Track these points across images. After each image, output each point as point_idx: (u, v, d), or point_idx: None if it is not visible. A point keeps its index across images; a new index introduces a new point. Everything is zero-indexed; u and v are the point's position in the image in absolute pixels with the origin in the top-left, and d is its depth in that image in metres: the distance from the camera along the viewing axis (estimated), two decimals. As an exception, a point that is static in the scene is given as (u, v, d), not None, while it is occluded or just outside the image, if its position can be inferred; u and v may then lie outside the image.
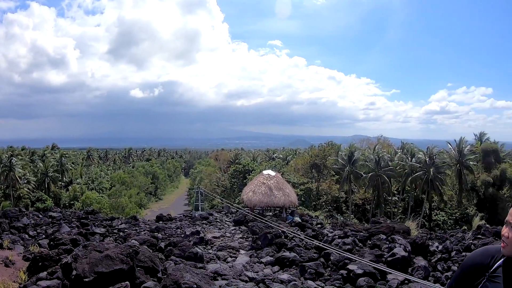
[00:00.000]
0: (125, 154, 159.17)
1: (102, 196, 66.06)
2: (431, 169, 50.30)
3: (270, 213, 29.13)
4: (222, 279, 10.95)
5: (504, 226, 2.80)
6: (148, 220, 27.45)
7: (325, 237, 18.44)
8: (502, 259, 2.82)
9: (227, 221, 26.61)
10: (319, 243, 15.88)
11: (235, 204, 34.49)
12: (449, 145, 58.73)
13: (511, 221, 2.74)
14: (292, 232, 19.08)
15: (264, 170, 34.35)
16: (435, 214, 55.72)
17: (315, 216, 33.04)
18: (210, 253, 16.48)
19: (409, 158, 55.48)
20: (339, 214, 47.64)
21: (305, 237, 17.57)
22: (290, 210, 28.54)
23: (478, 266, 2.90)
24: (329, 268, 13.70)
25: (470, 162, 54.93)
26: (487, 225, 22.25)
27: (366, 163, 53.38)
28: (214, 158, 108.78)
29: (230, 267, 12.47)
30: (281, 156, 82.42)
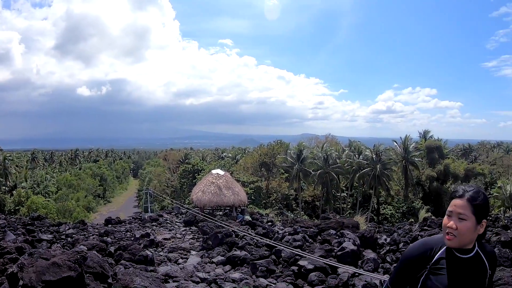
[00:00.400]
0: (72, 155, 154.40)
1: (48, 201, 63.84)
2: (378, 166, 51.77)
3: (220, 213, 29.09)
4: (173, 281, 10.79)
5: (447, 217, 2.90)
6: (97, 224, 26.72)
7: (276, 235, 18.51)
8: (443, 250, 2.91)
9: (177, 222, 26.29)
10: (269, 241, 15.92)
11: (185, 205, 34.17)
12: (394, 143, 60.96)
13: (458, 210, 2.82)
14: (242, 230, 19.06)
15: (213, 169, 34.18)
16: (383, 208, 57.46)
17: (266, 214, 33.20)
18: (161, 255, 16.24)
19: (356, 155, 56.87)
20: (289, 211, 48.11)
21: (255, 236, 17.57)
22: (240, 209, 28.59)
23: (418, 258, 2.93)
24: (281, 265, 13.76)
25: (415, 159, 57.38)
26: (433, 217, 23.06)
27: (315, 161, 54.29)
28: (163, 158, 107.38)
29: (181, 269, 12.29)
30: (230, 155, 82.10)
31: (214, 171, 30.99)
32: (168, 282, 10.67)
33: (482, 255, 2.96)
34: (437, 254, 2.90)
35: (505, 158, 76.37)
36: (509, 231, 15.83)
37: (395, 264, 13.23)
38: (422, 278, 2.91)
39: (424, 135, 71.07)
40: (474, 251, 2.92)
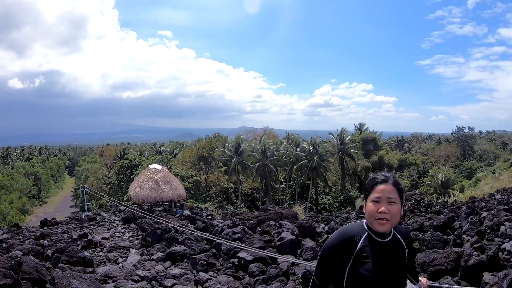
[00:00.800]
0: (3, 153, 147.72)
1: (-20, 205, 60.70)
2: (315, 157, 52.82)
3: (159, 208, 28.77)
4: (113, 281, 10.62)
5: (373, 204, 2.92)
6: (33, 227, 25.68)
7: (216, 228, 18.58)
8: (364, 238, 2.95)
9: (116, 220, 25.82)
10: (208, 236, 15.94)
11: (124, 202, 33.55)
12: (331, 135, 62.58)
13: (388, 195, 2.89)
14: (181, 225, 18.99)
15: (151, 164, 33.67)
16: (321, 198, 58.96)
17: (205, 208, 33.21)
18: (100, 255, 15.91)
19: (294, 147, 57.64)
20: (229, 205, 48.23)
21: (195, 230, 17.55)
22: (179, 204, 28.38)
23: (341, 249, 2.93)
24: (221, 258, 13.85)
25: (351, 150, 59.40)
26: (369, 205, 23.95)
27: (253, 153, 54.56)
28: (99, 154, 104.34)
29: (120, 268, 12.09)
30: (168, 149, 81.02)
31: (151, 166, 30.51)
32: (108, 283, 10.51)
33: (399, 237, 3.09)
34: (360, 243, 2.93)
35: (436, 149, 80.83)
36: (441, 216, 16.60)
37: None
38: (348, 268, 2.90)
39: (360, 127, 73.36)
40: (391, 234, 3.03)
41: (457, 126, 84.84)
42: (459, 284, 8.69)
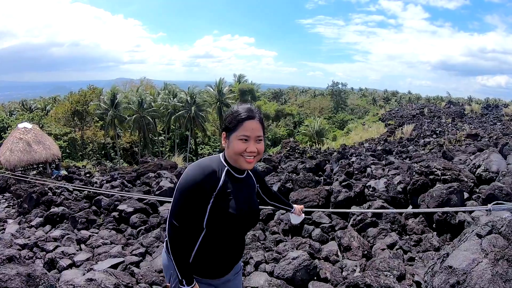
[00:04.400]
0: None
1: None
2: (193, 108, 53.14)
3: (34, 172, 27.44)
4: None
5: (241, 142, 2.72)
6: None
7: (94, 185, 18.35)
8: (225, 173, 2.79)
9: (-11, 192, 24.15)
10: (88, 188, 15.72)
11: (-3, 171, 31.36)
12: (209, 87, 62.99)
13: (256, 133, 2.74)
14: (59, 186, 18.47)
15: (20, 123, 31.54)
16: (200, 148, 59.96)
17: (83, 166, 32.22)
18: (-22, 235, 15.04)
19: (171, 98, 57.19)
20: (108, 161, 47.13)
21: (74, 186, 17.18)
22: (54, 165, 27.32)
23: (203, 184, 2.67)
24: (102, 214, 13.78)
25: (229, 100, 60.26)
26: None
27: (130, 105, 53.07)
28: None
29: (-2, 242, 11.58)
30: (40, 106, 76.15)
31: (20, 125, 28.53)
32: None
33: (250, 173, 3.15)
34: (222, 178, 2.76)
35: (312, 101, 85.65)
36: (314, 160, 18.16)
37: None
38: (209, 206, 2.72)
39: (239, 79, 74.92)
40: (246, 171, 3.00)
41: (332, 81, 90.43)
42: (329, 216, 9.56)
